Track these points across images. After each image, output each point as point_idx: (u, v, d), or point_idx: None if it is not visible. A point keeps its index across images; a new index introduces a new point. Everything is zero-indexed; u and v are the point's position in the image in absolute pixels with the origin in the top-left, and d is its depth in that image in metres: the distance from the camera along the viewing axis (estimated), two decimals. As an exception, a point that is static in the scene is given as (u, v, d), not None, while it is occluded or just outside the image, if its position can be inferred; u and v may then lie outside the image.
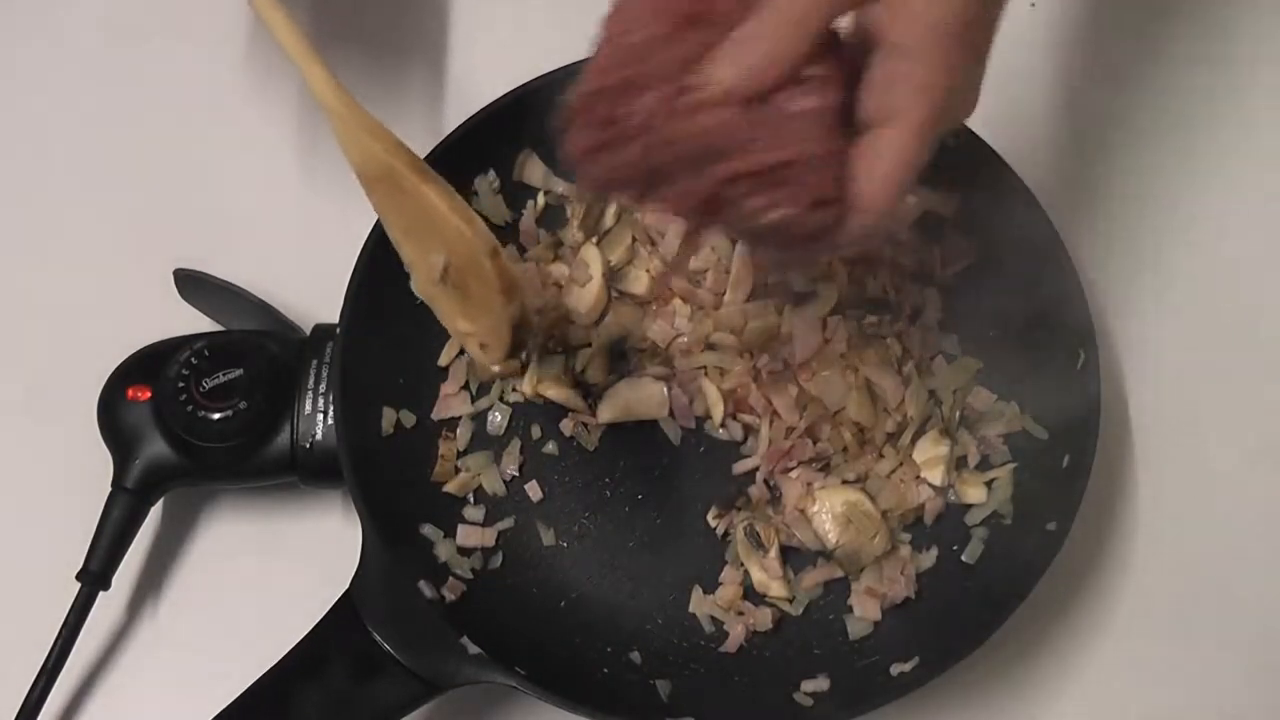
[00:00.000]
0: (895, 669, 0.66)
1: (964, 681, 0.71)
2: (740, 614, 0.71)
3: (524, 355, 0.64)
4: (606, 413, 0.74)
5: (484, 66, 0.84)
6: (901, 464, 0.73)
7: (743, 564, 0.72)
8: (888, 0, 0.50)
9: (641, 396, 0.74)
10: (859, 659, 0.69)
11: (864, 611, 0.71)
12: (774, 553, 0.71)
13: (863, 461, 0.73)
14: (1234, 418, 0.78)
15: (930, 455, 0.72)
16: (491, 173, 0.76)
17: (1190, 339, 0.79)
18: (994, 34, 0.53)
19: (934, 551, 0.72)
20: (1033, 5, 0.86)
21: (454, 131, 0.73)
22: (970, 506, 0.72)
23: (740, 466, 0.74)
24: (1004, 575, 0.68)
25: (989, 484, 0.72)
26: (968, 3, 0.50)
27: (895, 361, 0.74)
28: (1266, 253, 0.81)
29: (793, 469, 0.73)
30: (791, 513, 0.72)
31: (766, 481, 0.73)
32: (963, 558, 0.71)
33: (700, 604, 0.72)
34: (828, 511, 0.71)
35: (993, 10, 0.53)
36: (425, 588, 0.67)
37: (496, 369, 0.63)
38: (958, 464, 0.73)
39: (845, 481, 0.72)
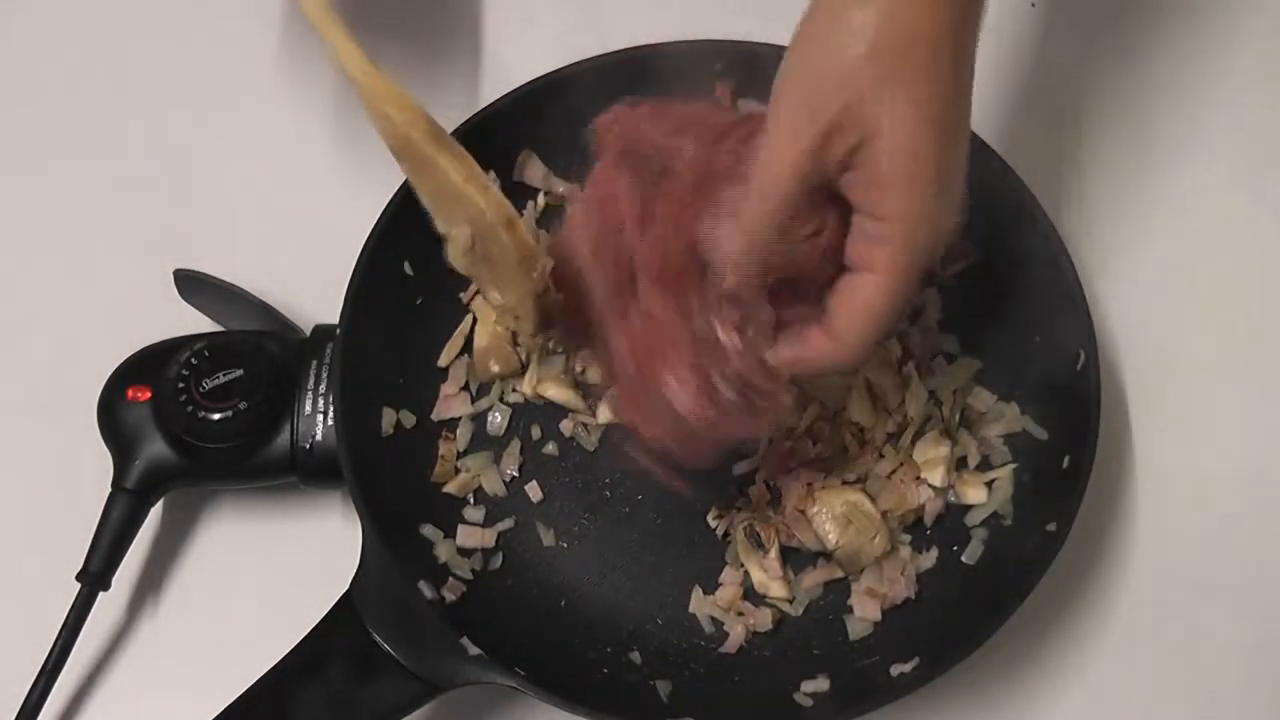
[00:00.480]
0: (895, 669, 0.66)
1: (964, 682, 0.71)
2: (740, 614, 0.71)
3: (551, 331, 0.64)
4: (606, 413, 0.74)
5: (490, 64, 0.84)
6: (901, 464, 0.73)
7: (743, 564, 0.72)
8: (860, 167, 0.53)
9: (641, 397, 0.74)
10: (859, 659, 0.69)
11: (864, 612, 0.71)
12: (774, 553, 0.71)
13: (863, 462, 0.73)
14: (1234, 417, 0.78)
15: (930, 456, 0.72)
16: (491, 174, 0.76)
17: (1191, 339, 0.79)
18: (963, 164, 0.55)
19: (934, 552, 0.72)
20: (1033, 5, 0.86)
21: (453, 133, 0.73)
22: (970, 507, 0.72)
23: (740, 467, 0.74)
24: (1004, 575, 0.68)
25: (989, 484, 0.72)
26: (934, 150, 0.53)
27: (895, 362, 0.74)
28: (1268, 254, 0.81)
29: (793, 469, 0.73)
30: (791, 513, 0.72)
31: (767, 482, 0.73)
32: (963, 558, 0.71)
33: (700, 604, 0.72)
34: (828, 512, 0.71)
35: (961, 145, 0.55)
36: (425, 588, 0.67)
37: (530, 342, 0.64)
38: (958, 464, 0.73)
39: (845, 482, 0.72)
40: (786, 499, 0.73)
